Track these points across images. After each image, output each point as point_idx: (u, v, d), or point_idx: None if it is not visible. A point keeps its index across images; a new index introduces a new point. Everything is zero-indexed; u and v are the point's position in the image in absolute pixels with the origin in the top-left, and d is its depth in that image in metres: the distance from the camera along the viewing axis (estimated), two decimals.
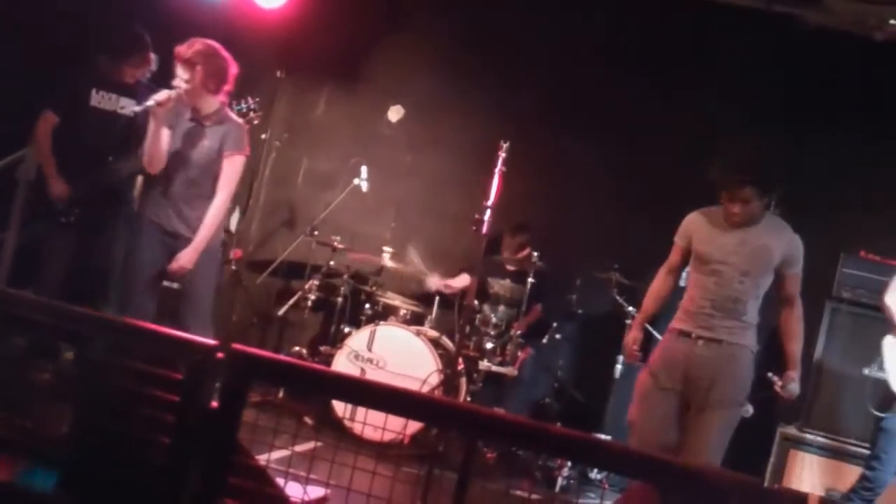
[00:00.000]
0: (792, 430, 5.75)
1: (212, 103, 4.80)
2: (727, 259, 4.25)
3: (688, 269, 4.52)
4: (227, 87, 4.85)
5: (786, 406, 4.92)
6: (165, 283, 4.96)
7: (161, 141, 4.72)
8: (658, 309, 4.61)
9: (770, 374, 4.31)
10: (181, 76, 4.67)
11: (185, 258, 4.71)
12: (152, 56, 5.38)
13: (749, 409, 5.56)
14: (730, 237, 4.28)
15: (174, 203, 4.79)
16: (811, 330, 6.02)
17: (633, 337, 4.51)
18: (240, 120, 4.97)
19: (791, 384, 4.27)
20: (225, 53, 4.80)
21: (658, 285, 4.59)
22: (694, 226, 4.42)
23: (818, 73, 6.37)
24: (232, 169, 4.83)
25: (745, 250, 4.25)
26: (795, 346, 4.33)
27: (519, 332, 6.18)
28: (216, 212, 4.80)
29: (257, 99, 5.46)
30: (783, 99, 6.43)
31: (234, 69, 4.83)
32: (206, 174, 4.81)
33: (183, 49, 4.68)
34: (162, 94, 4.63)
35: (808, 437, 5.69)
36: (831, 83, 6.34)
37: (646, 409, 4.30)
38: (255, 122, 5.52)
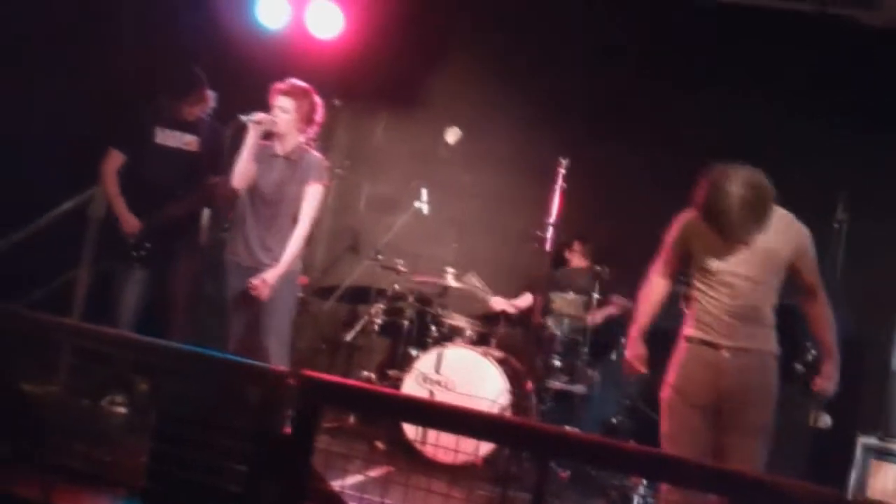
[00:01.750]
0: (873, 441, 5.59)
1: (297, 140, 4.98)
2: (736, 270, 4.02)
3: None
4: (313, 131, 5.03)
5: (863, 415, 4.78)
6: (243, 314, 5.01)
7: (252, 159, 4.86)
8: (654, 317, 4.33)
9: (797, 366, 4.15)
10: (282, 106, 4.87)
11: (270, 276, 4.81)
12: (209, 93, 5.50)
13: (827, 421, 5.45)
14: (734, 247, 4.01)
15: (254, 236, 4.92)
16: (888, 337, 5.90)
17: (638, 354, 4.25)
18: (319, 154, 5.09)
19: (829, 384, 4.10)
20: (319, 99, 5.01)
21: (653, 291, 4.31)
22: (692, 233, 4.13)
23: (887, 77, 6.24)
24: (313, 198, 4.96)
25: (754, 258, 4.02)
26: (829, 335, 4.11)
27: (596, 321, 6.14)
28: (298, 239, 4.93)
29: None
30: (851, 105, 6.29)
31: (321, 115, 5.04)
32: (286, 206, 4.94)
33: (285, 84, 4.91)
34: (260, 115, 4.82)
35: (893, 447, 5.52)
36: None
37: (676, 425, 4.09)
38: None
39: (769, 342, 4.10)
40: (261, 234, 4.92)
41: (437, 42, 7.27)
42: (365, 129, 7.56)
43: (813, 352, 5.49)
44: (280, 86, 4.91)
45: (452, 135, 7.19)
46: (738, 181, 3.85)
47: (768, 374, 4.09)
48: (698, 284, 4.17)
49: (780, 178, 3.94)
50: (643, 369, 4.26)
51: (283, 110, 4.87)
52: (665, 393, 4.18)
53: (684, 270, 4.29)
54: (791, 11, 6.33)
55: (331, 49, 6.91)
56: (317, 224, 7.05)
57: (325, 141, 6.92)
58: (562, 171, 5.82)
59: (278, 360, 4.75)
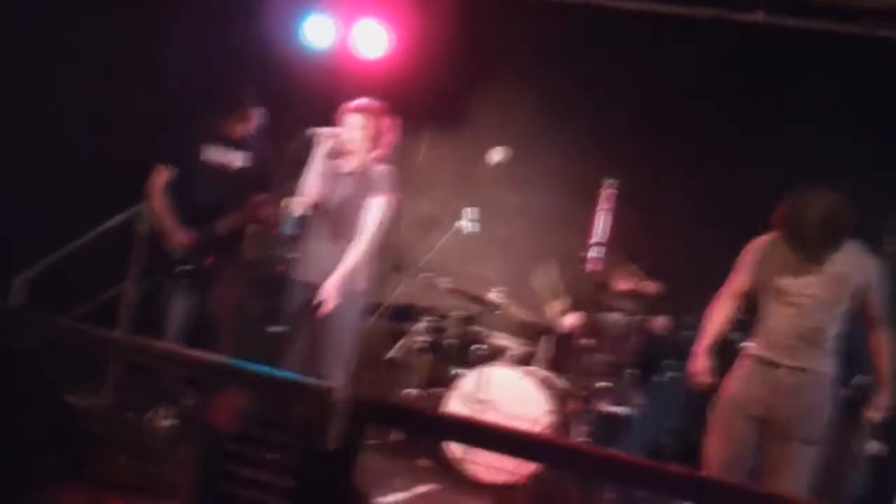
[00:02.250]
0: None
1: (366, 158, 4.96)
2: (805, 291, 4.19)
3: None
4: (384, 150, 5.02)
5: None
6: (305, 330, 5.01)
7: (319, 175, 4.86)
8: (721, 336, 4.54)
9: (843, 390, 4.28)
10: (352, 123, 4.87)
11: (330, 284, 4.78)
12: (257, 111, 5.54)
13: (878, 448, 5.37)
14: (805, 268, 4.21)
15: (319, 253, 4.92)
16: None
17: (703, 366, 4.46)
18: (387, 167, 5.06)
19: (878, 413, 4.28)
20: (394, 119, 5.01)
21: (721, 311, 4.52)
22: (765, 255, 4.35)
23: None
24: (376, 209, 4.92)
25: (824, 281, 4.18)
26: (886, 366, 4.27)
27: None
28: (358, 251, 4.89)
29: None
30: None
31: (395, 135, 5.04)
32: (350, 222, 4.93)
33: (359, 102, 4.93)
34: (328, 130, 4.83)
35: None
36: None
37: (728, 436, 4.28)
38: None
39: (827, 364, 4.22)
40: (326, 250, 4.90)
41: (483, 62, 7.27)
42: (409, 147, 7.53)
43: (860, 377, 5.45)
44: (352, 104, 4.91)
45: (498, 154, 7.19)
46: (821, 202, 4.10)
47: (820, 395, 4.22)
48: (765, 306, 4.33)
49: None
50: (708, 379, 4.44)
51: (353, 128, 4.86)
52: (721, 404, 4.34)
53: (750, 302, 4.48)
54: (837, 33, 6.27)
55: (377, 68, 6.94)
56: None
57: None
58: (609, 192, 5.80)
59: (334, 377, 4.74)
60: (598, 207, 5.68)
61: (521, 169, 7.14)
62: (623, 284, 6.62)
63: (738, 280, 4.47)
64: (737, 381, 4.34)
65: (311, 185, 4.86)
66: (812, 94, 6.36)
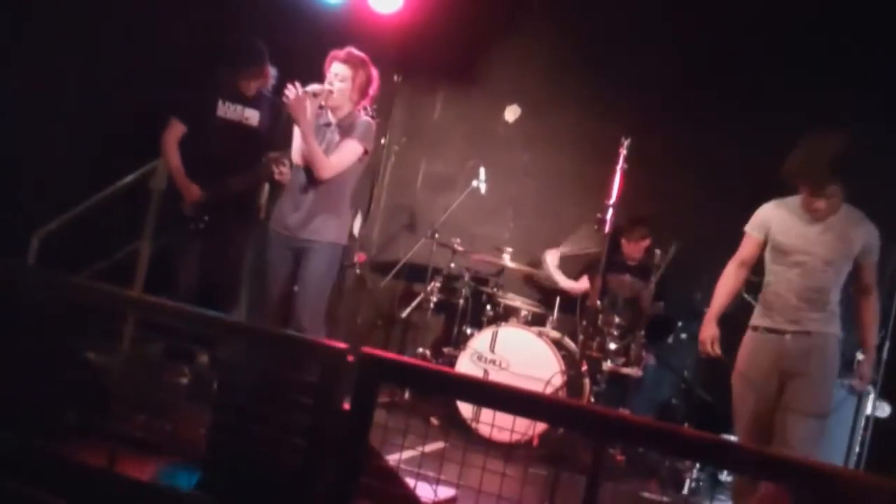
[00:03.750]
0: None
1: (350, 109, 4.96)
2: (810, 249, 4.24)
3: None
4: (367, 102, 5.02)
5: None
6: (279, 283, 5.02)
7: (312, 132, 4.83)
8: (729, 304, 4.58)
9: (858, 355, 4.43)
10: (338, 73, 4.85)
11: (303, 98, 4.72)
12: (270, 69, 5.53)
13: (886, 409, 5.42)
14: (811, 227, 4.27)
15: (303, 210, 4.89)
16: None
17: (712, 334, 4.50)
18: (369, 118, 5.04)
19: (864, 383, 4.47)
20: (376, 70, 4.98)
21: (729, 280, 4.56)
22: (772, 217, 4.40)
23: None
24: (348, 150, 4.87)
25: (828, 239, 4.24)
26: (871, 336, 4.37)
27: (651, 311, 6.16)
28: (320, 156, 4.80)
29: (375, 106, 5.56)
30: None
31: (376, 88, 5.01)
32: (336, 180, 4.90)
33: (343, 52, 4.89)
34: (317, 86, 4.79)
35: None
36: None
37: (742, 411, 4.33)
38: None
39: (832, 325, 4.27)
40: (309, 210, 4.89)
41: (498, 19, 7.21)
42: (423, 105, 7.56)
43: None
44: (338, 53, 4.88)
45: (512, 113, 7.16)
46: (829, 135, 4.14)
47: (829, 355, 4.26)
48: (771, 267, 4.38)
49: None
50: (716, 351, 4.50)
51: (340, 78, 4.84)
52: (734, 379, 4.40)
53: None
54: None
55: (391, 24, 6.89)
56: (374, 201, 7.14)
57: (382, 117, 6.95)
58: (623, 150, 5.77)
59: (310, 329, 4.78)
60: (615, 167, 5.65)
61: (534, 127, 7.13)
62: (637, 247, 6.64)
63: (746, 247, 4.51)
64: (745, 356, 4.39)
65: (299, 142, 4.87)
66: (838, 59, 6.28)
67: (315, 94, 4.77)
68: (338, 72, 4.86)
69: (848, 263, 4.28)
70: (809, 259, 4.24)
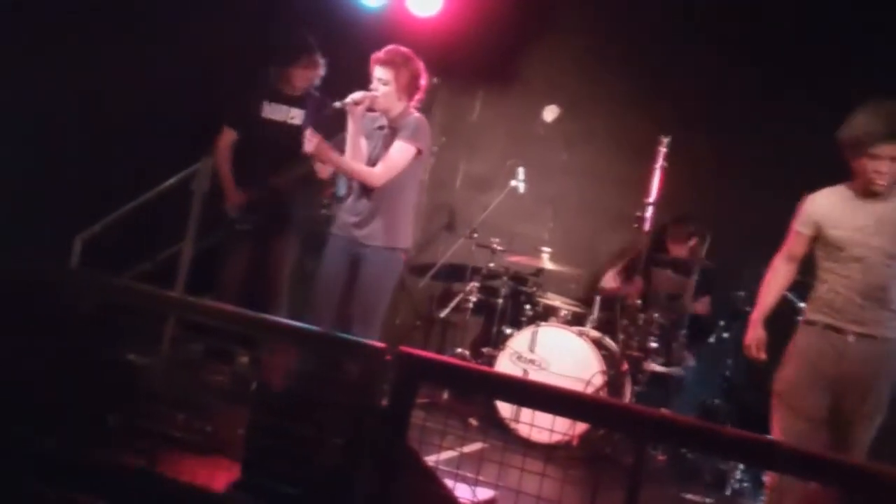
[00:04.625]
0: None
1: (400, 109, 4.81)
2: (869, 242, 3.92)
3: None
4: (419, 96, 4.85)
5: None
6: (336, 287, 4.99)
7: (360, 143, 4.78)
8: (776, 303, 4.32)
9: None
10: (381, 77, 4.70)
11: (316, 138, 4.65)
12: (321, 59, 5.52)
13: None
14: (865, 216, 3.96)
15: (360, 214, 4.81)
16: None
17: (758, 338, 4.23)
18: (420, 116, 4.89)
19: None
20: (420, 62, 4.81)
21: (777, 277, 4.28)
22: (821, 210, 4.08)
23: None
24: (398, 153, 4.72)
25: (888, 229, 3.92)
26: None
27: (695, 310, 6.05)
28: (365, 171, 4.71)
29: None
30: None
31: (426, 78, 4.85)
32: (392, 183, 4.77)
33: (383, 53, 4.74)
34: (358, 94, 4.67)
35: None
36: None
37: (792, 415, 4.04)
38: None
39: (894, 329, 3.98)
40: (361, 206, 4.80)
41: (537, 20, 7.19)
42: (462, 106, 7.54)
43: None
44: (378, 55, 4.74)
45: (551, 112, 7.13)
46: (889, 106, 3.90)
47: (889, 364, 3.97)
48: (825, 264, 4.09)
49: None
50: (763, 355, 4.23)
51: (383, 81, 4.69)
52: (779, 385, 4.11)
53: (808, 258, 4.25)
54: None
55: (430, 26, 6.89)
56: (416, 196, 7.12)
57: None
58: (662, 148, 5.72)
59: (366, 336, 4.65)
60: (655, 165, 5.59)
61: (573, 126, 7.09)
62: (678, 246, 6.57)
63: (794, 241, 4.22)
64: (797, 357, 4.10)
65: (354, 156, 4.78)
66: (881, 56, 6.16)
67: (357, 103, 4.66)
68: (380, 76, 4.71)
69: None
70: (870, 253, 3.93)
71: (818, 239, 4.12)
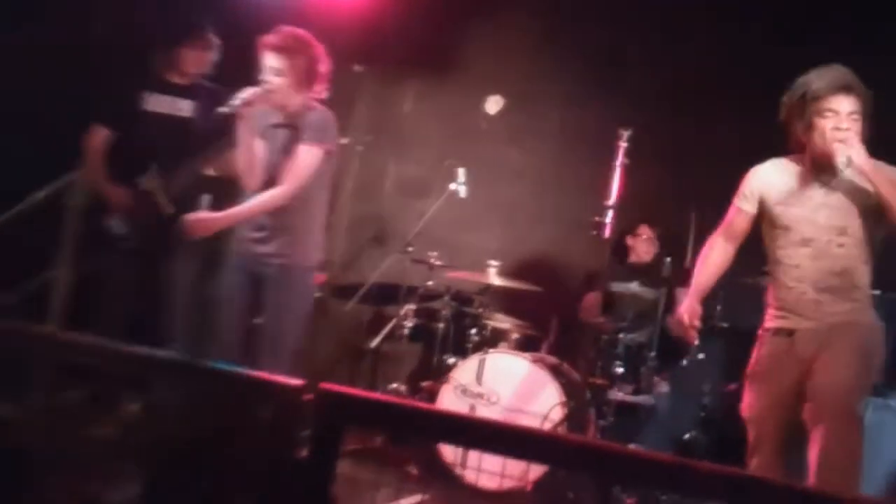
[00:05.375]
0: None
1: (299, 102, 4.76)
2: (816, 219, 3.96)
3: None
4: (319, 87, 4.80)
5: None
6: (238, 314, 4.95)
7: (255, 149, 4.72)
8: (713, 283, 4.44)
9: None
10: (273, 66, 4.62)
11: (210, 216, 4.67)
12: (214, 40, 5.45)
13: None
14: (812, 191, 4.00)
15: (265, 228, 4.76)
16: None
17: (691, 308, 4.28)
18: (325, 111, 4.86)
19: None
20: (319, 46, 4.76)
21: (712, 255, 4.37)
22: (765, 184, 4.15)
23: None
24: (302, 160, 4.68)
25: (836, 203, 3.95)
26: None
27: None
28: (268, 199, 4.67)
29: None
30: None
31: (327, 65, 4.80)
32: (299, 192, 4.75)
33: (273, 38, 4.66)
34: (248, 91, 4.58)
35: None
36: None
37: (761, 433, 4.10)
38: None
39: (866, 315, 4.00)
40: (265, 218, 4.75)
41: None
42: (391, 98, 7.55)
43: None
44: (269, 40, 4.63)
45: (494, 104, 7.16)
46: (832, 70, 4.00)
47: (864, 334, 3.94)
48: (773, 254, 4.14)
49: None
50: (695, 325, 4.29)
51: (277, 72, 4.61)
52: (744, 412, 4.18)
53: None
54: None
55: (353, 5, 6.89)
56: (335, 211, 7.08)
57: (344, 113, 6.90)
58: (622, 144, 5.75)
59: (279, 372, 4.62)
60: (614, 163, 5.62)
61: (521, 120, 7.13)
62: (643, 253, 6.62)
63: (733, 218, 4.27)
64: (754, 369, 4.16)
65: (250, 163, 4.71)
66: (842, 45, 6.30)
67: (248, 104, 4.57)
68: (273, 65, 4.62)
69: (872, 223, 3.93)
70: (817, 232, 3.95)
71: (763, 219, 4.17)
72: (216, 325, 4.83)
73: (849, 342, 3.90)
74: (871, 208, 3.94)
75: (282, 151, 4.76)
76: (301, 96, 4.75)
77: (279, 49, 4.63)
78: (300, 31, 4.73)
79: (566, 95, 6.98)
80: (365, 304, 7.05)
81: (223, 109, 4.61)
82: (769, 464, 4.04)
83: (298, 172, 4.69)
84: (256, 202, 4.70)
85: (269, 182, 4.76)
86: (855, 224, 3.96)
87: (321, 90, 4.81)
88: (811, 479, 3.78)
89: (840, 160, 3.84)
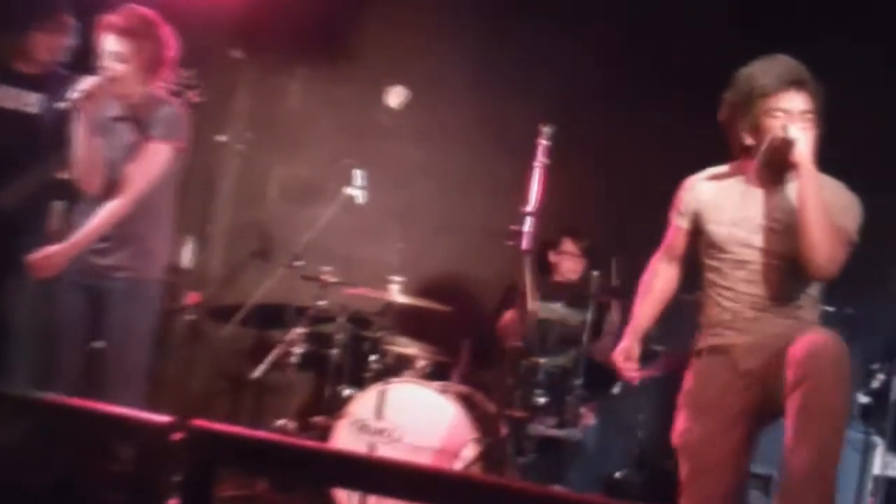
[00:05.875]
0: None
1: (144, 92, 4.77)
2: (751, 241, 3.99)
3: None
4: (166, 73, 4.84)
5: None
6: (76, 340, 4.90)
7: (97, 147, 4.70)
8: (658, 313, 4.45)
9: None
10: (115, 51, 4.62)
11: (52, 250, 4.63)
12: (71, 22, 5.38)
13: None
14: (752, 206, 4.02)
15: (105, 237, 4.73)
16: None
17: (626, 348, 4.33)
18: (175, 101, 4.90)
19: None
20: (167, 27, 4.77)
21: (658, 282, 4.42)
22: (701, 198, 4.16)
23: None
24: (151, 159, 4.71)
25: (778, 220, 3.96)
26: None
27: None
28: (114, 210, 4.67)
29: (193, 71, 5.45)
30: None
31: (175, 49, 4.82)
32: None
33: (115, 18, 4.64)
34: (87, 83, 4.57)
35: None
36: None
37: (699, 464, 4.06)
38: (196, 100, 5.50)
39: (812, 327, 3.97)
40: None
41: None
42: (276, 90, 7.55)
43: (879, 376, 5.57)
44: (111, 21, 4.62)
45: (396, 96, 7.15)
46: (779, 60, 4.01)
47: (828, 352, 3.76)
48: (708, 275, 4.16)
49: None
50: (633, 368, 4.34)
51: (120, 57, 4.61)
52: (676, 439, 4.17)
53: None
54: None
55: None
56: (211, 221, 7.01)
57: (221, 106, 6.84)
58: (543, 143, 5.77)
59: (123, 405, 4.63)
60: (534, 164, 5.65)
61: (427, 116, 7.14)
62: (568, 272, 6.67)
63: (672, 236, 4.33)
64: (686, 392, 4.17)
65: (91, 164, 4.71)
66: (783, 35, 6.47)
67: (89, 97, 4.57)
68: (114, 49, 4.62)
69: None
70: (754, 255, 3.99)
71: (699, 236, 4.20)
72: (57, 351, 4.77)
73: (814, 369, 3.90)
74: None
75: (124, 149, 4.76)
76: (146, 86, 4.76)
77: (122, 31, 4.63)
78: (146, 11, 4.74)
79: (480, 86, 7.02)
80: (246, 328, 6.99)
81: (60, 104, 4.62)
82: (709, 499, 4.04)
83: (145, 174, 4.71)
84: (100, 218, 4.69)
85: (111, 185, 4.75)
86: (794, 248, 3.96)
87: (169, 79, 4.88)
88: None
89: (782, 137, 3.86)
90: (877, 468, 5.51)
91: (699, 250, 4.24)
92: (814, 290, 4.07)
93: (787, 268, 3.98)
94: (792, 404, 3.68)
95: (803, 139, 3.86)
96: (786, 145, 3.85)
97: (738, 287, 4.04)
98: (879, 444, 5.50)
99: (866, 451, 5.38)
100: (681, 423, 4.17)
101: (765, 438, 4.10)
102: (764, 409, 3.99)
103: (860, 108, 5.92)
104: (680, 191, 4.30)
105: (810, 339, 3.73)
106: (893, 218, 5.11)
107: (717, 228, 4.09)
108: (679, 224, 4.30)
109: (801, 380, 3.65)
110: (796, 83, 3.94)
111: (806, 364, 3.66)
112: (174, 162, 4.81)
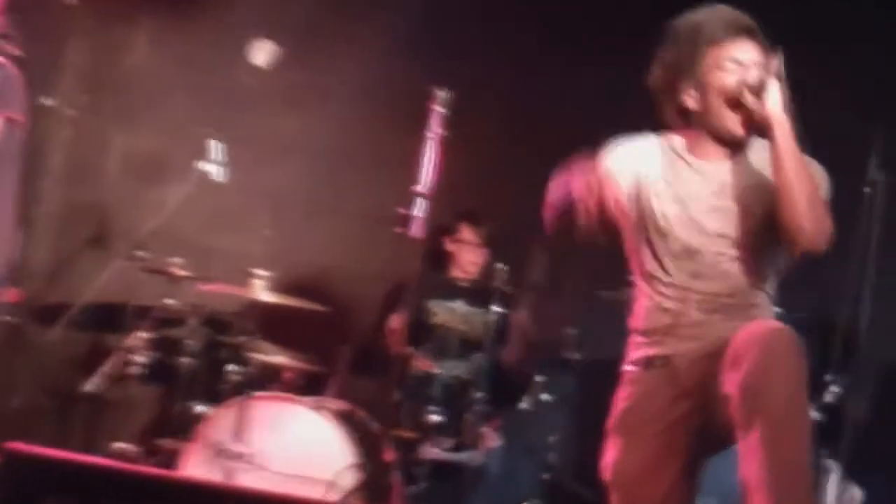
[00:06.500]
0: None
1: None
2: (704, 224, 3.90)
3: None
4: None
5: None
6: None
7: None
8: None
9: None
10: None
11: None
12: None
13: (857, 496, 5.61)
14: (702, 182, 3.95)
15: None
16: None
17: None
18: (4, 62, 4.83)
19: None
20: None
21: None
22: (636, 165, 4.04)
23: None
24: None
25: (731, 198, 3.91)
26: None
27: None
28: None
29: (12, 17, 5.36)
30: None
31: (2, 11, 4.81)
32: None
33: None
34: None
35: None
36: None
37: (636, 500, 4.02)
38: (16, 53, 5.42)
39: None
40: None
41: None
42: (117, 43, 7.49)
43: (833, 389, 5.65)
44: None
45: (265, 54, 7.09)
46: (720, 9, 3.94)
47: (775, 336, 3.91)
48: (646, 267, 4.04)
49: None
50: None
51: None
52: (606, 474, 4.07)
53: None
54: None
55: None
56: (37, 201, 6.90)
57: (49, 63, 6.73)
58: (437, 109, 5.77)
59: None
60: (426, 135, 5.64)
61: (300, 77, 7.13)
62: (468, 264, 6.69)
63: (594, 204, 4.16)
64: (617, 418, 4.06)
65: None
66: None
67: None
68: None
69: (773, 229, 3.82)
70: (702, 242, 3.90)
71: (631, 216, 4.07)
72: None
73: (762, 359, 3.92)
74: (771, 218, 3.90)
75: None
76: None
77: None
78: None
79: (364, 44, 7.03)
80: (78, 332, 6.96)
81: None
82: None
83: None
84: None
85: None
86: (755, 232, 3.97)
87: None
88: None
89: (751, 95, 3.85)
90: (830, 498, 5.57)
91: (628, 238, 4.17)
92: (770, 286, 4.05)
93: (744, 257, 3.95)
94: (731, 386, 3.65)
95: (775, 89, 3.84)
96: (758, 94, 3.82)
97: (684, 283, 3.99)
98: (833, 469, 5.56)
99: (817, 477, 5.43)
100: (612, 453, 4.14)
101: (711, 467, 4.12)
102: (712, 432, 3.98)
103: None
104: (606, 152, 4.13)
105: (753, 325, 3.73)
106: (848, 211, 5.20)
107: (663, 204, 3.97)
108: (611, 188, 4.08)
109: (740, 360, 3.61)
110: (748, 30, 3.92)
111: (746, 345, 3.63)
112: (7, 136, 4.76)
